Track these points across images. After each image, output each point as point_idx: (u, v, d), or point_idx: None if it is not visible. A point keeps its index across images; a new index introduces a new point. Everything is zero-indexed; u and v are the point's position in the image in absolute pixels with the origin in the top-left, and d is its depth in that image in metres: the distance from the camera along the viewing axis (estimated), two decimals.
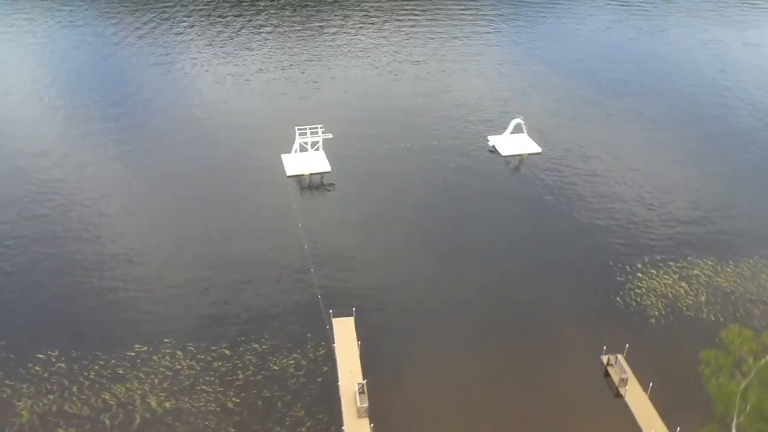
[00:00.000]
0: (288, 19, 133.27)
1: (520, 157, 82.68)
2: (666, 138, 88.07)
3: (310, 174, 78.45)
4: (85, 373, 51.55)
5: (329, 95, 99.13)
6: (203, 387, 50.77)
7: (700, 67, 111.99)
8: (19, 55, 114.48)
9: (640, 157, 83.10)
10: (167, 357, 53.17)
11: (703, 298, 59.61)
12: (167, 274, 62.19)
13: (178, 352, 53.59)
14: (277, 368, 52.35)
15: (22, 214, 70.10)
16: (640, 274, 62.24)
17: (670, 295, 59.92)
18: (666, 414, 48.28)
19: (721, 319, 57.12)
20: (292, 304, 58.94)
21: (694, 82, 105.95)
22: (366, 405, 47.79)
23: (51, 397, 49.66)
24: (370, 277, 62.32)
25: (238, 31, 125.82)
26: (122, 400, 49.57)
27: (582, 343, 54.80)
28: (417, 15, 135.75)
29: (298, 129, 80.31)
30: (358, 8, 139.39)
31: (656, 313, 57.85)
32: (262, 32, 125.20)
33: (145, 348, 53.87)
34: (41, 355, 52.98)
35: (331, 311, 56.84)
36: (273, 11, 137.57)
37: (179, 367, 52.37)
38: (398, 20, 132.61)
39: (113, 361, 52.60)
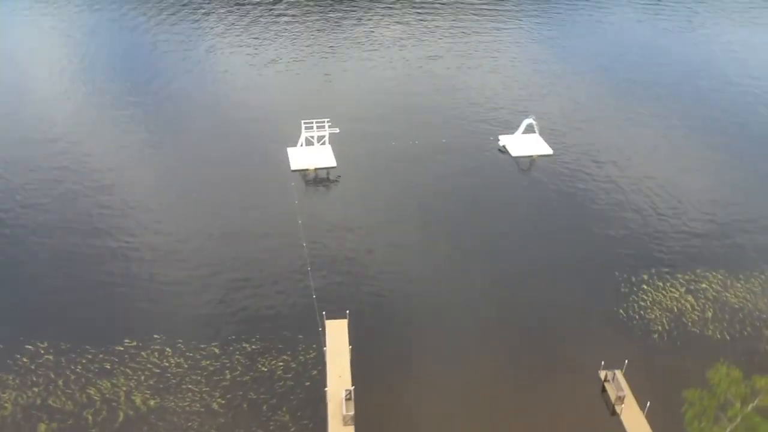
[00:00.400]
0: (307, 9, 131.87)
1: (531, 159, 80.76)
2: (684, 144, 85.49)
3: (315, 169, 77.26)
4: (72, 367, 51.07)
5: (341, 89, 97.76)
6: (189, 386, 49.99)
7: (724, 71, 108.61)
8: (36, 38, 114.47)
9: (656, 163, 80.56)
10: (156, 353, 52.47)
11: (709, 314, 57.53)
12: (163, 269, 61.43)
13: (167, 349, 52.85)
14: (266, 370, 51.42)
15: (22, 203, 69.77)
16: (645, 286, 60.29)
17: (675, 309, 57.94)
18: None
19: (728, 338, 55.16)
20: (286, 304, 57.91)
21: (718, 86, 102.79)
22: (352, 413, 46.66)
23: (36, 389, 49.22)
24: (369, 279, 61.03)
25: (256, 19, 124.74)
26: (107, 396, 48.99)
27: (580, 357, 53.04)
28: (439, 10, 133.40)
29: (304, 123, 79.09)
30: (379, 1, 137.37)
31: (659, 327, 55.95)
32: (279, 21, 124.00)
33: (135, 343, 53.23)
34: (30, 346, 52.61)
35: (324, 313, 55.72)
36: (293, 0, 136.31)
37: (167, 364, 51.63)
38: (419, 13, 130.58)
39: (101, 356, 52.05)
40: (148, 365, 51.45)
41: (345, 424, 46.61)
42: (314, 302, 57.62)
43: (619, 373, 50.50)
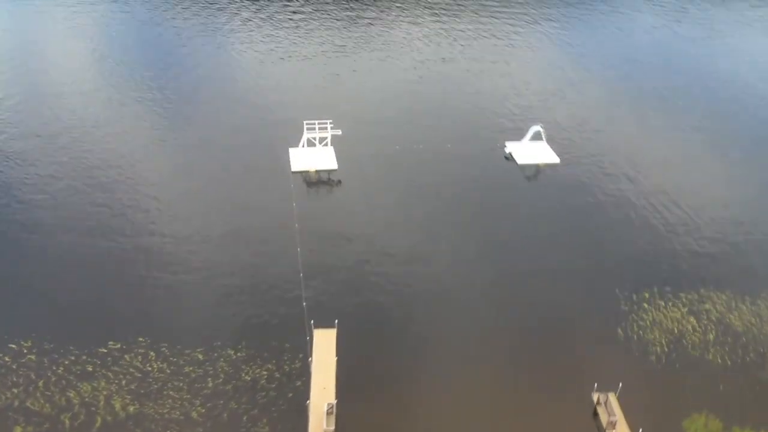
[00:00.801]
0: (322, 6, 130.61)
1: (536, 167, 78.87)
2: (699, 157, 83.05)
3: (316, 171, 76.01)
4: (54, 368, 50.22)
5: (348, 89, 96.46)
6: (170, 392, 48.97)
7: (746, 81, 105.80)
8: (50, 28, 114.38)
9: (667, 176, 78.21)
10: (139, 357, 51.54)
11: (711, 337, 55.50)
12: (153, 271, 60.45)
13: (151, 353, 51.88)
14: (249, 379, 50.27)
15: (18, 197, 69.29)
16: (646, 305, 58.34)
17: (675, 330, 55.97)
18: None
19: (729, 363, 53.15)
20: (275, 311, 56.67)
21: (738, 97, 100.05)
22: (332, 429, 45.39)
23: (15, 390, 48.43)
24: (363, 288, 59.63)
25: (272, 14, 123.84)
26: (86, 399, 48.09)
27: (573, 377, 51.19)
28: (456, 12, 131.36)
29: (307, 123, 77.84)
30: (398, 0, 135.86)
31: (657, 349, 54.04)
32: (294, 18, 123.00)
33: (119, 345, 52.32)
34: (13, 345, 51.89)
35: (312, 321, 54.46)
36: None
37: (149, 369, 50.66)
38: (436, 14, 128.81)
39: (84, 357, 51.19)
40: (131, 369, 50.50)
41: None
42: (304, 310, 56.39)
43: (612, 396, 48.74)
